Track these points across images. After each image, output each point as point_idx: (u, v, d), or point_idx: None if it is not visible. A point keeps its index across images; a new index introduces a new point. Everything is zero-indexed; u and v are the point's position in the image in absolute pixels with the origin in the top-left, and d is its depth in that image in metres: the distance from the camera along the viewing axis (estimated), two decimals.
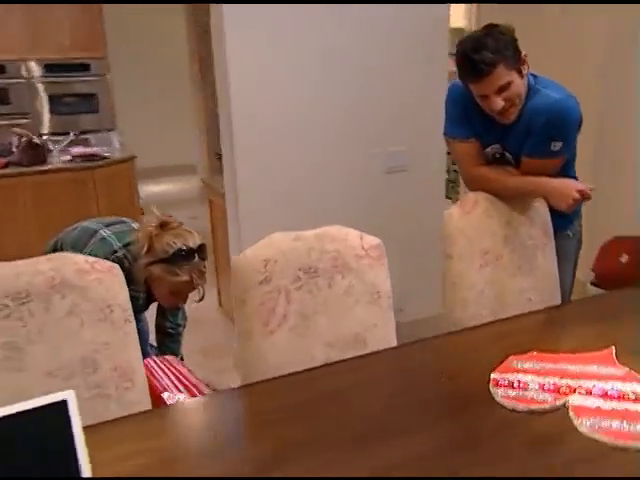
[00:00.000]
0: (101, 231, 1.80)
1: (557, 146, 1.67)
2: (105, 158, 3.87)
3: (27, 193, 3.57)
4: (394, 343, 1.52)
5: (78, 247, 1.78)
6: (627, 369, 1.27)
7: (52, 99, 5.07)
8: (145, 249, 1.69)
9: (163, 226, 1.72)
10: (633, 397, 1.18)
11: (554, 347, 1.40)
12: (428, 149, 2.84)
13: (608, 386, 1.22)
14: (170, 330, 2.13)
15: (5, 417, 0.83)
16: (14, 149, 3.69)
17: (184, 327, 2.20)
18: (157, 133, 7.33)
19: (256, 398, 1.28)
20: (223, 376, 2.74)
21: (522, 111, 1.68)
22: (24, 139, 3.66)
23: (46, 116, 5.11)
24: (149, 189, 6.24)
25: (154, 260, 1.70)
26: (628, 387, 1.21)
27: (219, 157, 5.73)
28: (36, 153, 3.65)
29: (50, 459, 0.86)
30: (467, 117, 1.78)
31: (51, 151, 3.91)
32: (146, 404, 1.39)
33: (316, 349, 1.43)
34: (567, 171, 1.82)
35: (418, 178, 2.83)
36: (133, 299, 1.39)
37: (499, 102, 1.62)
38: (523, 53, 1.63)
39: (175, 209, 6.06)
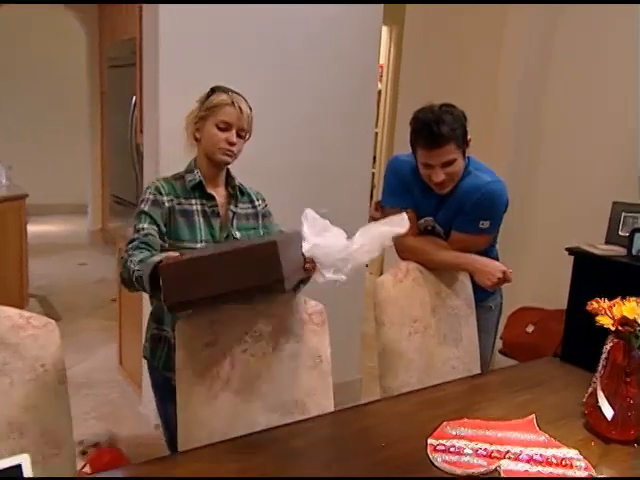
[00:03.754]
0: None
1: (485, 225, 1.94)
2: None
3: None
4: (331, 408, 1.64)
5: None
6: (547, 436, 1.49)
7: None
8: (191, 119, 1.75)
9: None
10: (555, 462, 1.39)
11: (482, 414, 1.60)
12: (350, 213, 3.05)
13: (533, 452, 1.42)
14: None
15: None
16: None
17: None
18: (47, 169, 7.14)
19: (197, 465, 1.34)
20: (120, 443, 2.68)
21: (455, 189, 1.94)
22: None
23: None
24: (35, 229, 5.97)
25: (197, 111, 1.73)
26: (550, 452, 1.42)
27: (118, 201, 5.71)
28: None
29: None
30: (405, 187, 2.02)
31: None
32: (70, 473, 1.39)
33: (259, 414, 1.51)
34: (490, 250, 2.10)
35: None
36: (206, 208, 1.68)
37: (441, 174, 1.87)
38: (469, 137, 1.90)
39: (61, 253, 5.87)
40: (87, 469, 2.24)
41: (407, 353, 1.91)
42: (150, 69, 2.53)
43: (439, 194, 1.96)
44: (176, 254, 1.39)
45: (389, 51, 5.35)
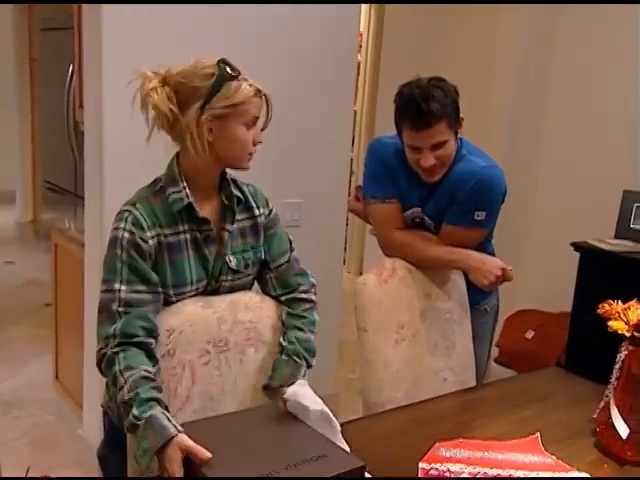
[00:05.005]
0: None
1: (480, 216, 1.94)
2: None
3: None
4: None
5: None
6: (554, 458, 1.51)
7: None
8: (175, 106, 1.46)
9: (167, 78, 1.48)
10: None
11: (479, 433, 1.61)
12: (327, 203, 3.05)
13: (539, 476, 1.43)
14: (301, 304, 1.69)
15: None
16: None
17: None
18: None
19: None
20: (58, 473, 2.64)
21: (447, 175, 1.94)
22: None
23: None
24: None
25: (203, 100, 1.45)
26: (558, 476, 1.43)
27: (52, 188, 5.59)
28: None
29: None
30: (389, 174, 2.01)
31: None
32: None
33: None
34: (486, 245, 2.11)
35: (313, 235, 3.01)
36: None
37: (431, 159, 1.86)
38: (461, 116, 1.90)
39: None
40: None
41: (393, 364, 1.91)
42: (91, 33, 2.47)
43: (428, 182, 1.96)
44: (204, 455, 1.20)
45: (369, 17, 5.35)
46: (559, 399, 1.88)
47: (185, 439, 1.22)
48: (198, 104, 1.44)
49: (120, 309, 1.40)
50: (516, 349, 3.21)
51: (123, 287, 1.41)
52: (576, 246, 2.67)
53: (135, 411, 1.29)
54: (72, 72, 4.10)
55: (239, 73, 1.49)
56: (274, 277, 1.66)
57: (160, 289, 1.46)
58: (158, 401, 1.32)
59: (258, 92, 1.50)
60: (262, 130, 1.56)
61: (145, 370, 1.35)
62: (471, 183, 1.91)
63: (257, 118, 1.52)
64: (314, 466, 1.21)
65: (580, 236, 2.74)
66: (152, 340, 1.41)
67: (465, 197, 1.93)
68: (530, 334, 3.19)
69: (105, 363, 1.38)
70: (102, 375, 1.42)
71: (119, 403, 1.35)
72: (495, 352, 3.26)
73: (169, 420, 1.26)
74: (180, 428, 1.24)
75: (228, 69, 1.46)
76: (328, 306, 3.10)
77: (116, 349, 1.37)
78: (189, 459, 1.21)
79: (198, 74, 1.46)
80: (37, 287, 4.67)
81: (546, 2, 3.36)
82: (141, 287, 1.42)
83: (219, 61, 1.47)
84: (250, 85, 1.49)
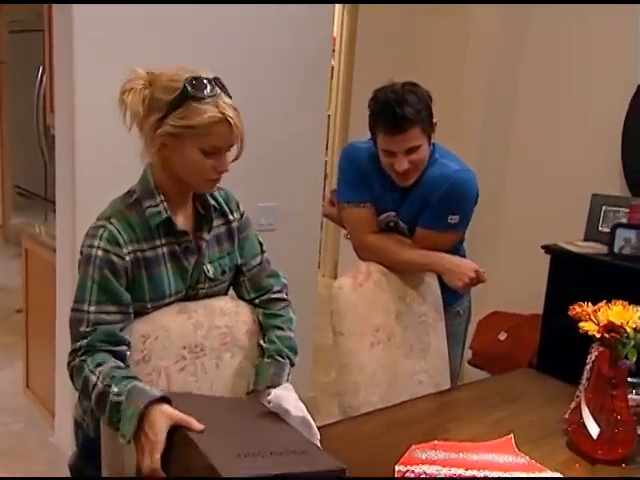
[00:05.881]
0: None
1: (454, 219, 1.97)
2: None
3: None
4: None
5: None
6: (528, 458, 1.53)
7: None
8: (143, 110, 1.41)
9: (153, 81, 1.42)
10: None
11: (454, 435, 1.62)
12: (301, 206, 3.06)
13: (513, 476, 1.45)
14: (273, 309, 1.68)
15: None
16: None
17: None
18: None
19: None
20: None
21: (420, 179, 1.96)
22: None
23: None
24: None
25: (162, 114, 1.39)
26: (531, 476, 1.45)
27: (22, 193, 5.51)
28: None
29: None
30: (364, 179, 2.02)
31: None
32: None
33: None
34: (458, 248, 2.13)
35: (289, 239, 3.02)
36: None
37: (405, 163, 1.88)
38: (434, 121, 1.92)
39: None
40: None
41: (368, 367, 1.92)
42: (62, 34, 2.44)
43: (402, 186, 1.98)
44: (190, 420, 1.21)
45: (342, 21, 5.38)
46: (531, 399, 1.90)
47: (173, 409, 1.22)
48: (157, 116, 1.39)
49: (88, 329, 1.37)
50: (489, 350, 3.24)
51: (92, 308, 1.37)
52: (546, 248, 2.71)
53: (115, 388, 1.27)
54: (42, 75, 4.05)
55: (208, 96, 1.38)
56: (247, 280, 1.65)
57: (131, 309, 1.43)
58: (136, 379, 1.31)
59: (225, 121, 1.39)
60: (233, 161, 1.49)
61: (115, 365, 1.34)
62: (444, 187, 1.93)
63: (221, 148, 1.43)
64: (298, 459, 1.21)
65: (551, 238, 2.79)
66: (121, 348, 1.39)
67: (439, 201, 1.95)
68: (503, 336, 3.23)
69: (75, 372, 1.36)
70: (75, 388, 1.39)
71: (94, 404, 1.32)
72: (468, 354, 3.29)
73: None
74: (167, 397, 1.24)
75: (192, 89, 1.37)
76: (303, 310, 3.09)
77: (83, 357, 1.35)
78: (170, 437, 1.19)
79: (164, 85, 1.40)
80: (6, 294, 4.58)
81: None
82: (111, 308, 1.38)
83: (190, 78, 1.39)
84: (219, 112, 1.38)
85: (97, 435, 1.45)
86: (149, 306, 1.47)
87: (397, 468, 1.47)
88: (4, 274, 4.96)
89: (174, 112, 1.38)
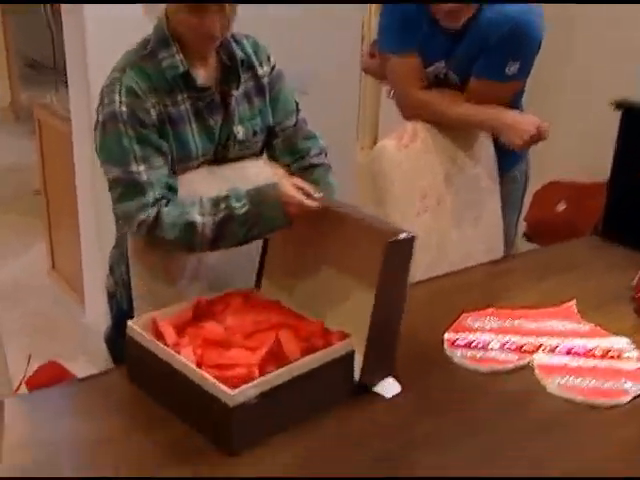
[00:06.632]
0: None
1: (513, 68, 1.85)
2: None
3: None
4: None
5: None
6: (592, 324, 1.51)
7: None
8: None
9: None
10: (600, 354, 1.41)
11: (509, 303, 1.61)
12: (340, 67, 2.95)
13: (573, 343, 1.44)
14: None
15: None
16: None
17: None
18: None
19: None
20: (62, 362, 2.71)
21: (475, 20, 1.83)
22: None
23: None
24: None
25: None
26: (594, 343, 1.44)
27: (32, 64, 5.44)
28: None
29: None
30: (408, 24, 1.90)
31: None
32: None
33: None
34: (515, 102, 2.03)
35: (323, 104, 2.93)
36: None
37: None
38: None
39: None
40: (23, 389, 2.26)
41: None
42: None
43: (451, 28, 1.86)
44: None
45: None
46: (595, 267, 1.88)
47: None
48: None
49: (147, 187, 1.38)
50: (546, 222, 3.18)
51: (142, 167, 1.38)
52: (618, 104, 2.57)
53: (235, 204, 1.36)
54: None
55: None
56: (281, 142, 1.62)
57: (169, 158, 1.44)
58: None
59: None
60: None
61: (195, 199, 1.39)
62: (505, 28, 1.80)
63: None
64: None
65: (622, 93, 2.65)
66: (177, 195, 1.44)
67: (497, 44, 1.82)
68: (562, 206, 3.16)
69: (159, 223, 1.36)
70: (165, 241, 1.39)
71: (214, 235, 1.37)
72: (522, 227, 3.25)
73: None
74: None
75: None
76: (341, 182, 3.06)
77: (160, 211, 1.36)
78: None
79: None
80: (20, 173, 4.54)
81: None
82: (158, 160, 1.40)
83: None
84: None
85: (130, 307, 1.49)
86: (176, 167, 1.46)
87: (446, 336, 1.47)
88: (16, 153, 4.97)
89: None
